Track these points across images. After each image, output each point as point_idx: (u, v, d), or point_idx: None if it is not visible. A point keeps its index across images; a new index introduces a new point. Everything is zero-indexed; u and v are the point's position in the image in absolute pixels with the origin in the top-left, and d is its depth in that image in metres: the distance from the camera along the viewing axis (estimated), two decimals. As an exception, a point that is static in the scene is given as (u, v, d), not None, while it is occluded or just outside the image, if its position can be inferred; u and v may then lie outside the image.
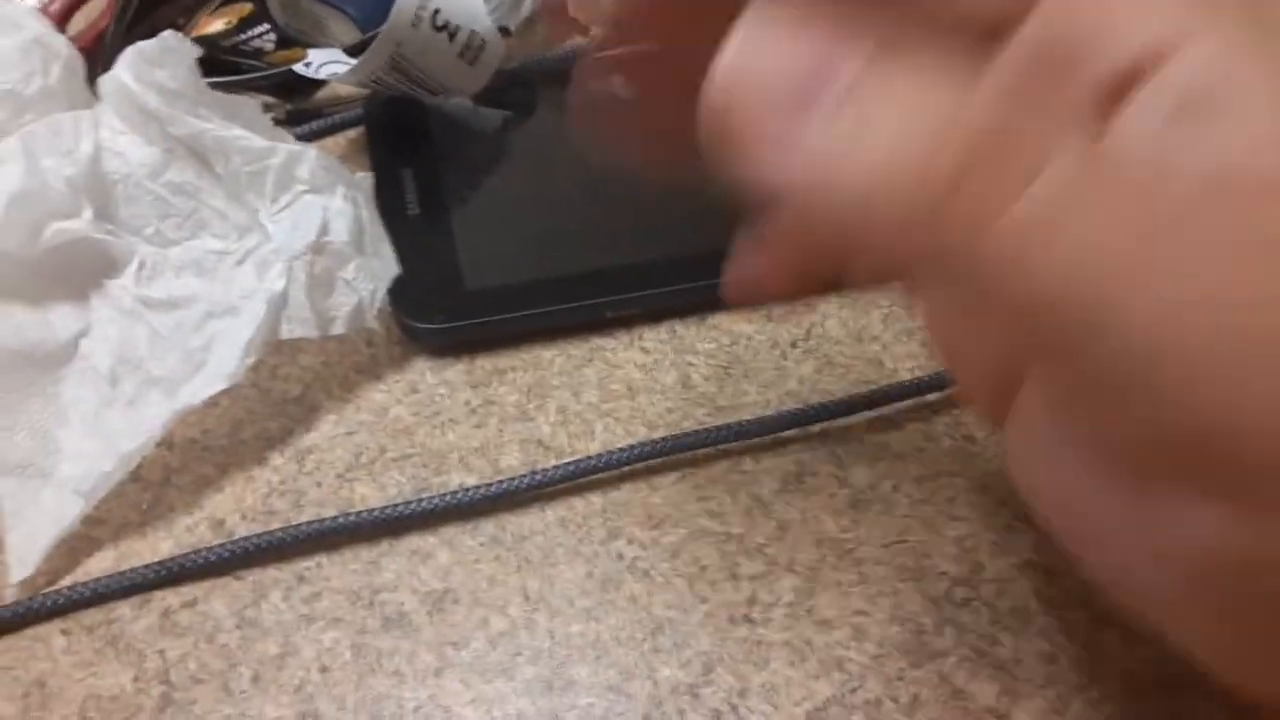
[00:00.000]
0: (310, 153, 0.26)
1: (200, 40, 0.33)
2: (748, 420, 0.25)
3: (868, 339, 0.27)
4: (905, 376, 0.26)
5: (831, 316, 0.28)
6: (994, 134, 0.12)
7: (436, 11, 0.30)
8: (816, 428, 0.25)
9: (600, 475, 0.24)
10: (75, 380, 0.24)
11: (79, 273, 0.26)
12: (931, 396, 0.25)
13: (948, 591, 0.22)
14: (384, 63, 0.29)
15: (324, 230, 0.25)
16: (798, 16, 0.13)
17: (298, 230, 0.25)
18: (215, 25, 0.33)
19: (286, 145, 0.26)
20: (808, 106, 0.12)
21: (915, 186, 0.12)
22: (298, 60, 0.33)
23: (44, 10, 0.32)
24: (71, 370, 0.25)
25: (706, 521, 0.24)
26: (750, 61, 0.13)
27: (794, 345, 0.27)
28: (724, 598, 0.22)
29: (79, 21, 0.32)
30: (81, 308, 0.25)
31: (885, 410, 0.25)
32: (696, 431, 0.25)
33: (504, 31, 0.32)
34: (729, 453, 0.25)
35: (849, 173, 0.12)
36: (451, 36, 0.30)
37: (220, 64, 0.32)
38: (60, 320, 0.25)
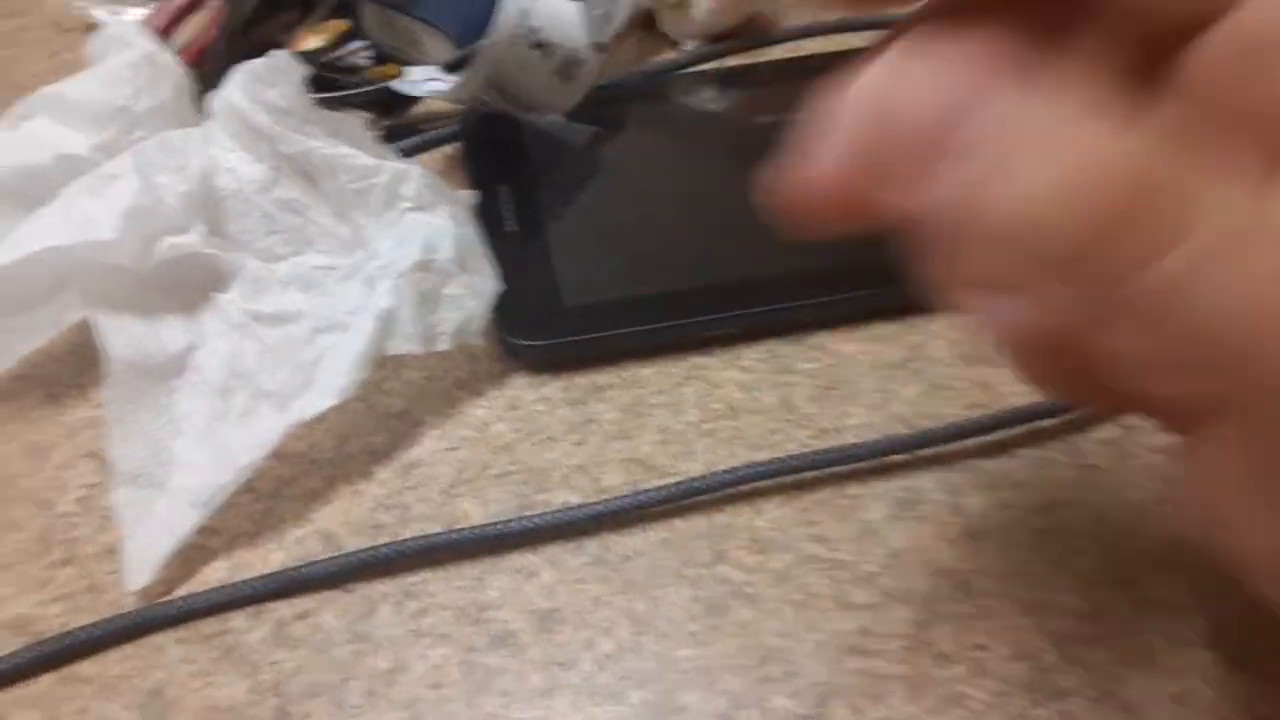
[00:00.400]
0: (415, 171, 0.26)
1: (298, 56, 0.33)
2: (854, 443, 0.24)
3: (976, 362, 0.26)
4: (1016, 401, 0.25)
5: (938, 338, 0.27)
6: (1154, 178, 0.11)
7: (534, 29, 0.30)
8: (926, 452, 0.25)
9: (704, 497, 0.24)
10: (187, 392, 0.25)
11: (189, 287, 0.26)
12: (1046, 422, 0.25)
13: (1070, 627, 0.21)
14: (483, 81, 0.29)
15: (429, 247, 0.25)
16: (950, 42, 0.12)
17: (403, 247, 0.25)
18: (313, 42, 0.34)
19: (392, 163, 0.26)
20: (953, 136, 0.12)
21: (1061, 225, 0.12)
22: (394, 76, 0.33)
23: (148, 26, 0.32)
24: (183, 382, 0.25)
25: (813, 547, 0.23)
26: (896, 85, 0.12)
27: (899, 367, 0.26)
28: (835, 627, 0.22)
29: (181, 37, 0.33)
30: (192, 321, 0.26)
31: (996, 435, 0.25)
32: (801, 454, 0.24)
33: (598, 48, 0.32)
34: (835, 476, 0.24)
35: (994, 207, 0.12)
36: (548, 54, 0.30)
37: (317, 80, 0.32)
38: (171, 333, 0.26)
